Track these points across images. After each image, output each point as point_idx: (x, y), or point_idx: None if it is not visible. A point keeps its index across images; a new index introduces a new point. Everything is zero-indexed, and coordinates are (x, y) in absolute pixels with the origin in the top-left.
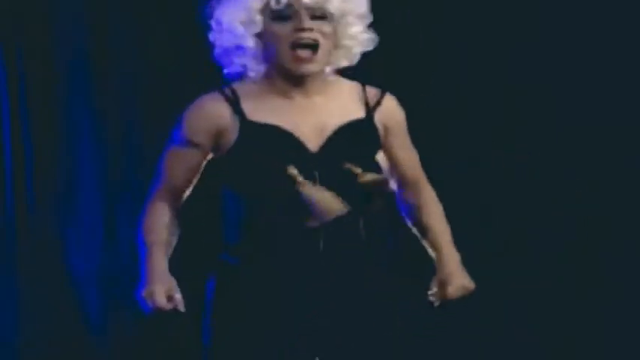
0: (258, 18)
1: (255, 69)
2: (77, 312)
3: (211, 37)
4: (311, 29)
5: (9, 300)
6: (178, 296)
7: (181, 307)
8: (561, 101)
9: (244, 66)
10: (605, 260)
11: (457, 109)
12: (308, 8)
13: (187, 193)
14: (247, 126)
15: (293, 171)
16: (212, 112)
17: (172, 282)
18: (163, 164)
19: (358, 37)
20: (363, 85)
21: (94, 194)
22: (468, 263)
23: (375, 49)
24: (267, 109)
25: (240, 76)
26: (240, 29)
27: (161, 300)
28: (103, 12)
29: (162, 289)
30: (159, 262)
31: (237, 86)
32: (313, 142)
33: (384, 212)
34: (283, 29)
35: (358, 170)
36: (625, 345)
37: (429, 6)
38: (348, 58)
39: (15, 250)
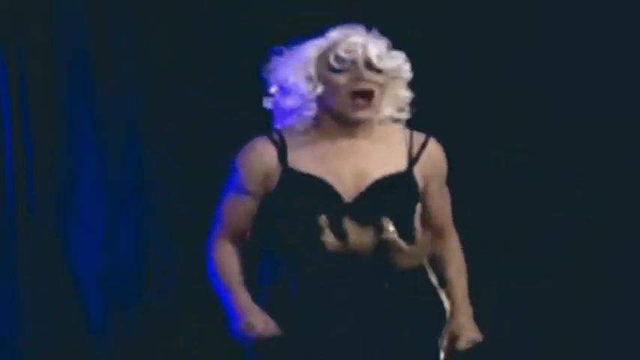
0: (313, 70)
1: (307, 116)
2: (78, 312)
3: (273, 101)
4: (369, 80)
5: (9, 300)
6: (273, 323)
7: (278, 331)
8: (560, 101)
9: (298, 117)
10: (605, 260)
11: (457, 109)
12: (364, 60)
13: (248, 234)
14: (287, 173)
15: (321, 222)
16: (261, 158)
17: (264, 313)
18: (223, 209)
19: (404, 93)
20: (411, 131)
21: (94, 194)
22: (469, 264)
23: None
24: (310, 157)
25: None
26: (305, 88)
27: (261, 327)
28: (103, 12)
29: (260, 318)
30: (245, 298)
31: (285, 132)
32: (350, 191)
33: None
34: (342, 79)
35: (390, 227)
36: (625, 345)
37: (429, 6)
38: (395, 110)
39: (15, 249)
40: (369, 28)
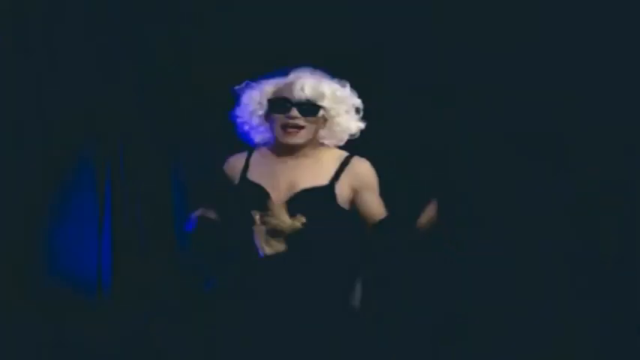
0: (265, 101)
1: (261, 138)
2: None
3: (235, 112)
4: (296, 117)
5: None
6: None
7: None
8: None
9: (260, 139)
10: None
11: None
12: (299, 102)
13: None
14: (242, 182)
15: (255, 214)
16: (233, 166)
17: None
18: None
19: (344, 125)
20: (350, 155)
21: None
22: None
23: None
24: (261, 171)
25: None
26: (252, 109)
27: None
28: None
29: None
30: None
31: (256, 151)
32: (281, 197)
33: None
34: (279, 115)
35: (301, 219)
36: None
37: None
38: (335, 138)
39: None
40: (315, 69)
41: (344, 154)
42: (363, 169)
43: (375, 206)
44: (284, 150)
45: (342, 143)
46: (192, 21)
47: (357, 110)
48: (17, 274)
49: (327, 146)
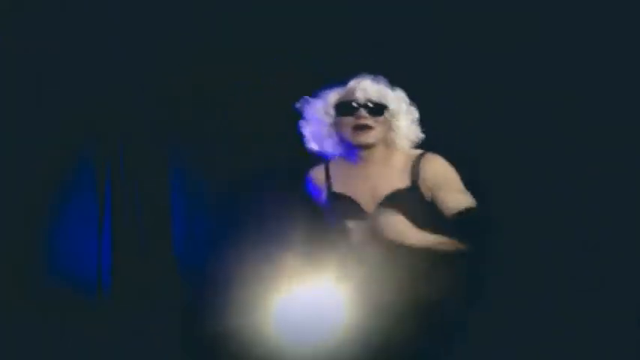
0: (332, 110)
1: (335, 151)
2: None
3: (302, 125)
4: (365, 117)
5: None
6: None
7: None
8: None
9: (332, 149)
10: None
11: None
12: (366, 104)
13: None
14: (331, 195)
15: (350, 225)
16: (318, 180)
17: None
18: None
19: (405, 130)
20: (419, 152)
21: None
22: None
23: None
24: (343, 182)
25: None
26: (320, 119)
27: None
28: None
29: None
30: None
31: (331, 163)
32: (370, 205)
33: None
34: (348, 119)
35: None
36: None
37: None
38: (399, 144)
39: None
40: (376, 77)
41: (417, 152)
42: (436, 164)
43: (449, 202)
44: (357, 159)
45: (407, 145)
46: (193, 20)
47: (414, 120)
48: (17, 274)
49: (400, 151)
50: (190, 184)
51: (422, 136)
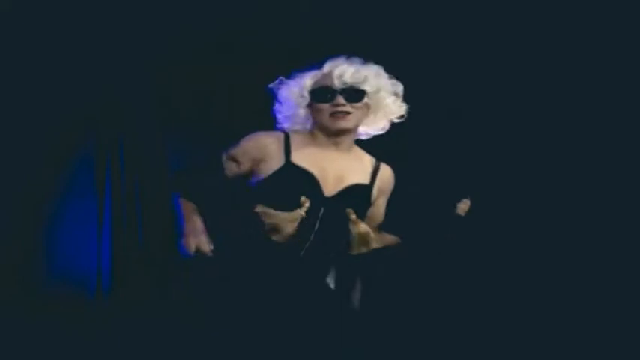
0: (307, 93)
1: (302, 128)
2: None
3: (277, 111)
4: (344, 104)
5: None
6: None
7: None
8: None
9: (295, 124)
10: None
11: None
12: (344, 89)
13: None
14: (288, 166)
15: (304, 200)
16: (268, 145)
17: (203, 234)
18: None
19: (389, 108)
20: (373, 158)
21: None
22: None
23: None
24: (306, 157)
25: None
26: (295, 103)
27: (193, 247)
28: None
29: (196, 240)
30: (194, 219)
31: (292, 134)
32: (330, 189)
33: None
34: (325, 104)
35: (353, 216)
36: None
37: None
38: (378, 125)
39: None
40: (352, 57)
41: (371, 157)
42: (389, 176)
43: (382, 211)
44: (327, 140)
45: (383, 132)
46: (192, 18)
47: (398, 94)
48: (17, 274)
49: (359, 147)
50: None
51: (406, 108)
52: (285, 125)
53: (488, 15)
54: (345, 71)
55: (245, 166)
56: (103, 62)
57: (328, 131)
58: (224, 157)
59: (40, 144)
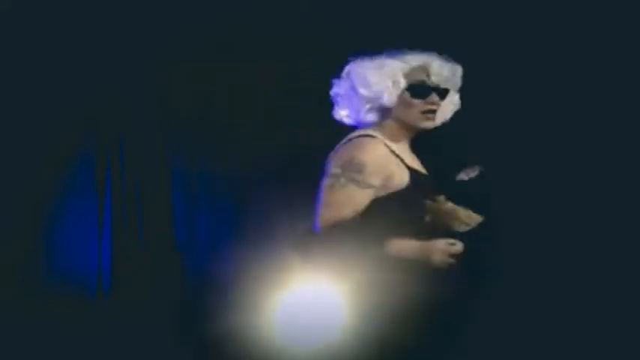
0: (402, 82)
1: (372, 119)
2: None
3: (343, 88)
4: (437, 103)
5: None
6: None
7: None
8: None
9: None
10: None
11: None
12: (438, 86)
13: None
14: (412, 173)
15: (440, 198)
16: (386, 158)
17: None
18: (340, 202)
19: (453, 106)
20: None
21: None
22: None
23: None
24: (407, 157)
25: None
26: (387, 95)
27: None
28: None
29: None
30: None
31: (377, 136)
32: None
33: None
34: (418, 99)
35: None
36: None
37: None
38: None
39: None
40: (440, 53)
41: None
42: None
43: None
44: (404, 135)
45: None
46: (192, 18)
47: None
48: (17, 273)
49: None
50: (192, 183)
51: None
52: (353, 116)
53: (487, 14)
54: (443, 68)
55: (378, 187)
56: (103, 62)
57: (413, 128)
58: (351, 190)
59: (40, 144)
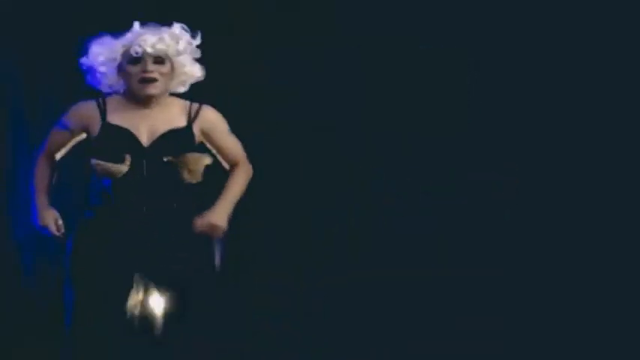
0: (119, 57)
1: (116, 88)
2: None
3: (84, 65)
4: (152, 71)
5: None
6: (61, 222)
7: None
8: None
9: (108, 87)
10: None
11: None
12: (150, 56)
13: (59, 156)
14: (105, 126)
15: (126, 157)
16: (85, 112)
17: (56, 214)
18: (48, 137)
19: (189, 71)
20: (191, 102)
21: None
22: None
23: None
24: (121, 116)
25: (111, 93)
26: (106, 65)
27: (52, 225)
28: None
29: (51, 217)
30: (43, 201)
31: (108, 99)
32: (146, 139)
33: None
34: (134, 69)
35: (170, 159)
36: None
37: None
38: (183, 85)
39: None
40: (160, 24)
41: (187, 102)
42: (213, 114)
43: (230, 144)
44: (138, 99)
45: (185, 89)
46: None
47: (198, 59)
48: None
49: (172, 96)
50: None
51: (203, 71)
52: (100, 88)
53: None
54: (152, 39)
55: (77, 132)
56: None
57: (136, 95)
58: (55, 129)
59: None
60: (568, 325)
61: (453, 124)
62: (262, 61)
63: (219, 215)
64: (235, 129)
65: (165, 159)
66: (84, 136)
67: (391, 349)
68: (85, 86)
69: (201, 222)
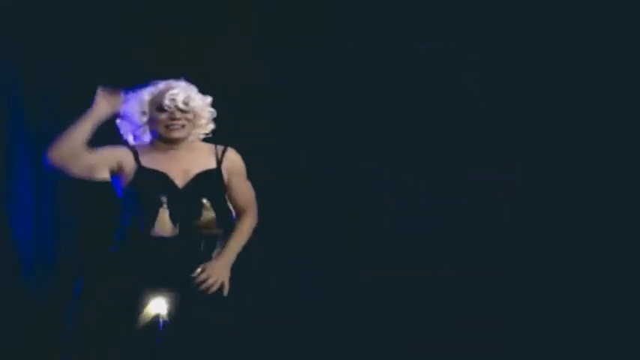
0: (147, 108)
1: (142, 138)
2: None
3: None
4: (179, 118)
5: None
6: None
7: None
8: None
9: (137, 137)
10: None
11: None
12: (177, 106)
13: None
14: (141, 170)
15: (162, 198)
16: (122, 156)
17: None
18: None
19: (205, 127)
20: (215, 145)
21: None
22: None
23: None
24: (153, 161)
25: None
26: (137, 117)
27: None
28: None
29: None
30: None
31: (137, 145)
32: (180, 181)
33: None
34: (163, 116)
35: (207, 204)
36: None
37: None
38: (201, 134)
39: None
40: (187, 81)
41: (211, 145)
42: (236, 157)
43: (246, 190)
44: (167, 143)
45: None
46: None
47: (213, 119)
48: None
49: (195, 141)
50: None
51: (214, 127)
52: (129, 139)
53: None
54: (181, 92)
55: (110, 164)
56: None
57: (165, 139)
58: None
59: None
60: (568, 325)
61: (453, 124)
62: (262, 61)
63: (220, 270)
64: (235, 129)
65: (198, 201)
66: (107, 176)
67: (391, 349)
68: (85, 88)
69: (204, 275)
